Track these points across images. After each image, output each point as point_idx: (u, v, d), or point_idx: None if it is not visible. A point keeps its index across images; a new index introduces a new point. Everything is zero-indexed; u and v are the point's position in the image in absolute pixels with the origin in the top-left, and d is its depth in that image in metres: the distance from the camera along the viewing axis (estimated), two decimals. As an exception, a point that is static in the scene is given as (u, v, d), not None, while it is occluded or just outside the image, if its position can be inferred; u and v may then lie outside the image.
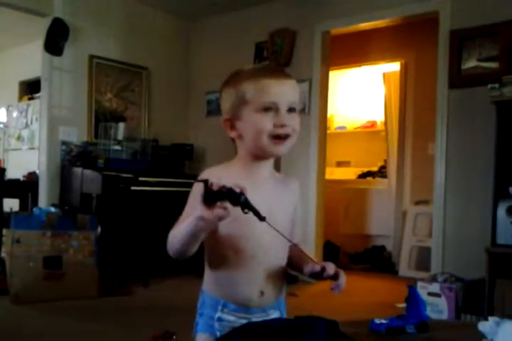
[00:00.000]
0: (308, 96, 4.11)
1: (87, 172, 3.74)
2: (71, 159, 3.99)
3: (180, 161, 4.57)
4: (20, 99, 5.92)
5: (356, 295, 3.58)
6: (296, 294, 3.48)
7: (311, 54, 4.12)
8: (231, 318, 1.09)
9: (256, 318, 1.09)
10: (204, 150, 4.86)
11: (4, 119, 5.95)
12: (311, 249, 4.04)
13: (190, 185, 4.35)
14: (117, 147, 4.21)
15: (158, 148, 4.44)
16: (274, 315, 1.14)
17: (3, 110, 5.95)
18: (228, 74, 1.17)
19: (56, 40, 3.94)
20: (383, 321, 1.15)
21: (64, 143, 4.02)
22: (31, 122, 5.61)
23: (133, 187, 3.72)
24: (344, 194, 5.13)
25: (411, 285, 1.22)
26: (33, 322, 2.65)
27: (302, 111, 4.15)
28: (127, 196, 3.74)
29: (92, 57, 4.24)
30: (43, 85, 4.07)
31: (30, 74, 5.58)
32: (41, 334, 2.42)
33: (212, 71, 4.88)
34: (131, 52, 4.53)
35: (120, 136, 4.21)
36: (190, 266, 4.18)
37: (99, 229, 3.37)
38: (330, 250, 4.56)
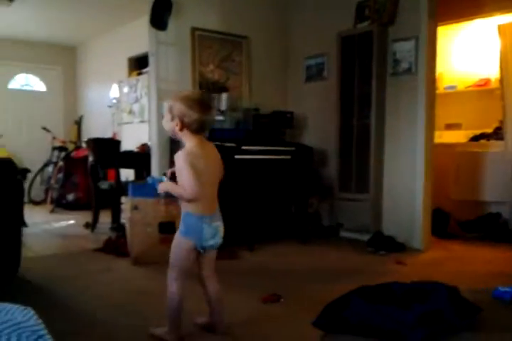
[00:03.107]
0: (415, 55, 3.87)
1: (194, 142, 3.90)
2: (178, 130, 4.18)
3: (281, 129, 4.59)
4: (129, 74, 6.28)
5: (469, 264, 3.42)
6: (403, 262, 3.40)
7: (417, 10, 3.84)
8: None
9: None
10: (304, 116, 4.83)
11: (117, 95, 6.36)
12: (419, 217, 3.90)
13: (291, 153, 4.43)
14: (220, 117, 4.32)
15: (259, 116, 4.49)
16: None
17: (116, 86, 6.36)
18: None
19: (160, 14, 4.08)
20: (508, 289, 1.07)
21: (172, 115, 4.21)
22: (141, 96, 5.94)
23: (236, 156, 3.83)
24: (454, 158, 4.84)
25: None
26: (149, 281, 2.89)
27: (408, 71, 3.93)
28: (231, 164, 3.84)
29: (194, 29, 4.34)
30: (150, 60, 4.26)
31: (137, 51, 5.88)
32: (156, 293, 2.63)
33: (312, 35, 4.78)
34: (231, 22, 4.57)
35: (223, 107, 4.32)
36: (293, 232, 4.27)
37: (206, 197, 3.53)
38: (439, 217, 4.37)
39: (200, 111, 1.85)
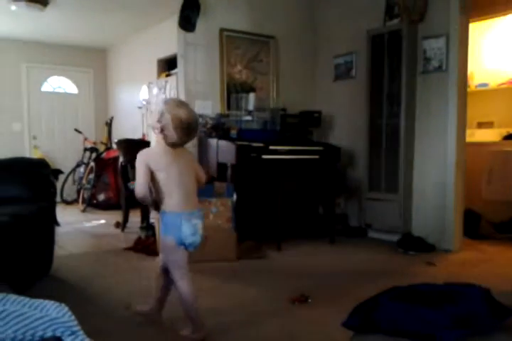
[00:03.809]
0: (446, 53, 3.80)
1: (222, 143, 3.92)
2: (207, 131, 4.20)
3: (309, 128, 4.57)
4: (158, 76, 6.35)
5: (502, 266, 3.34)
6: (434, 263, 3.35)
7: (448, 6, 3.77)
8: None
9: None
10: (332, 116, 4.80)
11: (146, 96, 6.44)
12: (450, 217, 3.83)
13: (319, 153, 4.43)
14: (248, 117, 4.33)
15: (286, 116, 4.48)
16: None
17: (145, 87, 6.44)
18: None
19: (189, 16, 4.12)
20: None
21: (200, 116, 4.24)
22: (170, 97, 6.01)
23: (264, 156, 3.83)
24: (487, 157, 4.72)
25: None
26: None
27: (439, 68, 3.86)
28: (259, 164, 3.86)
29: (222, 30, 4.37)
30: (179, 61, 4.30)
31: (166, 52, 5.94)
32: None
33: (340, 34, 4.75)
34: (258, 22, 4.58)
35: (250, 107, 4.33)
36: (320, 232, 4.24)
37: (235, 196, 3.55)
38: (471, 218, 4.27)
39: (181, 136, 1.94)
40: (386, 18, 4.23)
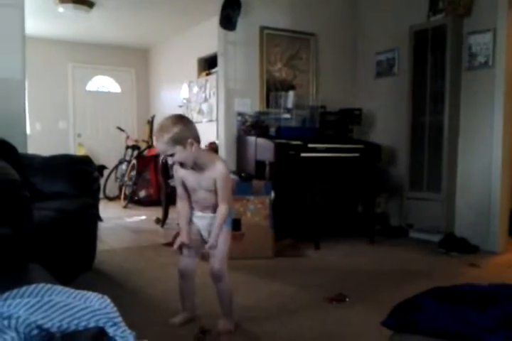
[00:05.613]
0: (493, 48, 3.67)
1: (260, 140, 3.93)
2: (245, 129, 4.22)
3: (349, 126, 4.52)
4: (199, 75, 6.42)
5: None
6: (477, 265, 3.25)
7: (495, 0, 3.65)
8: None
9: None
10: (373, 113, 4.72)
11: (187, 95, 6.53)
12: (495, 218, 3.70)
13: (359, 151, 4.37)
14: (287, 115, 4.32)
15: (326, 114, 4.45)
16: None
17: (186, 86, 6.53)
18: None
19: (230, 15, 4.14)
20: None
21: (239, 114, 4.27)
22: (209, 96, 6.07)
23: (302, 154, 3.81)
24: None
25: None
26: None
27: (485, 64, 3.74)
28: (297, 162, 3.85)
29: (262, 28, 4.37)
30: (219, 60, 4.33)
31: (207, 51, 6.01)
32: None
33: (382, 30, 4.67)
34: (298, 19, 4.56)
35: (290, 105, 4.31)
36: (360, 231, 4.19)
37: (272, 194, 3.55)
38: (518, 219, 4.12)
39: None
40: (430, 14, 4.12)
